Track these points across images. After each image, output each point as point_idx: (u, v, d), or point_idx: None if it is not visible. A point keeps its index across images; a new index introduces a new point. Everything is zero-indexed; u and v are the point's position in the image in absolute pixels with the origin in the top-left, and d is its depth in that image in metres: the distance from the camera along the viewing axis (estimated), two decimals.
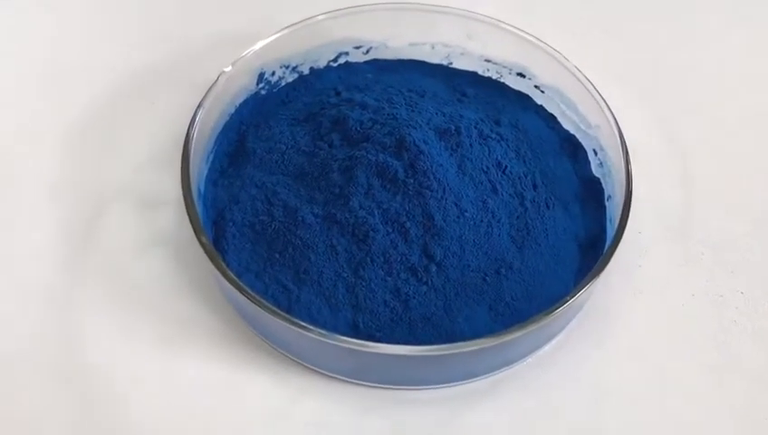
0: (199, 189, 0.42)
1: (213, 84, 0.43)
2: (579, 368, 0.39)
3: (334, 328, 0.38)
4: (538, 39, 0.46)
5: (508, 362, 0.39)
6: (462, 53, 0.49)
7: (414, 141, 0.41)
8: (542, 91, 0.48)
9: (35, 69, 0.50)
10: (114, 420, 0.37)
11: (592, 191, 0.44)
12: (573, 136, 0.46)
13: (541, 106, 0.48)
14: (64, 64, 0.50)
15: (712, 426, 0.38)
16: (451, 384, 0.39)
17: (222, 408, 0.38)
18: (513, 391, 0.39)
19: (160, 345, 0.39)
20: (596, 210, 0.43)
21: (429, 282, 0.39)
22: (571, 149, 0.46)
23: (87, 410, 0.37)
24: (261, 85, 0.47)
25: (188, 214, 0.39)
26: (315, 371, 0.39)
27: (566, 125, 0.47)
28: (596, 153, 0.45)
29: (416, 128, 0.42)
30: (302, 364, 0.39)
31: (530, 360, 0.39)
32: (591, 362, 0.40)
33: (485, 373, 0.39)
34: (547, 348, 0.40)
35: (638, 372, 0.39)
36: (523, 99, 0.48)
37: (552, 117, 0.47)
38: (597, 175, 0.45)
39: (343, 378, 0.38)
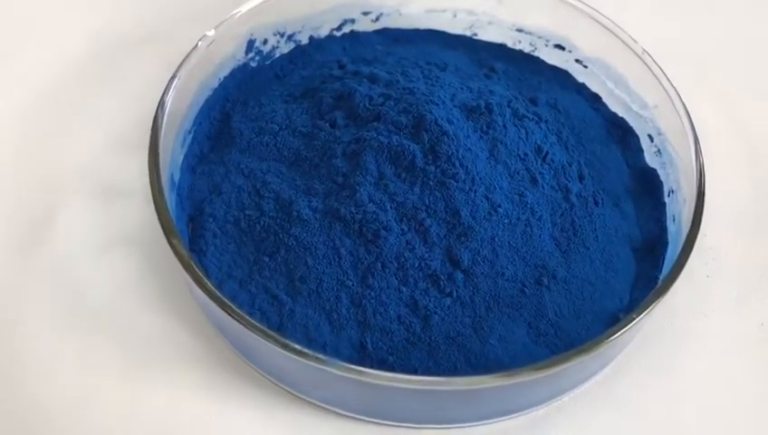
0: (173, 178, 0.35)
1: (191, 51, 0.36)
2: (636, 402, 0.33)
3: (336, 351, 0.31)
4: (581, 1, 0.39)
5: (551, 397, 0.32)
6: (489, 22, 0.42)
7: (436, 120, 0.33)
8: (585, 66, 0.40)
9: None
10: None
11: (648, 185, 0.37)
12: (623, 119, 0.39)
13: (582, 84, 0.41)
14: (15, 31, 0.42)
15: None
16: (480, 423, 0.32)
17: None
18: (557, 430, 0.31)
19: (122, 370, 0.32)
20: (653, 208, 0.36)
21: (454, 293, 0.32)
22: (621, 134, 0.39)
23: None
24: (250, 55, 0.40)
25: (157, 208, 0.32)
26: (313, 404, 0.32)
27: (613, 106, 0.39)
28: (652, 139, 0.38)
29: (437, 104, 0.34)
30: (296, 396, 0.32)
31: (576, 392, 0.32)
32: (652, 394, 0.33)
33: (523, 410, 0.32)
34: (597, 378, 0.33)
35: (709, 406, 0.33)
36: (562, 76, 0.41)
37: (597, 97, 0.40)
38: (652, 165, 0.37)
39: (348, 414, 0.31)
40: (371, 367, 0.30)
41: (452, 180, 0.33)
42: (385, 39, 0.42)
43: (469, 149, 0.33)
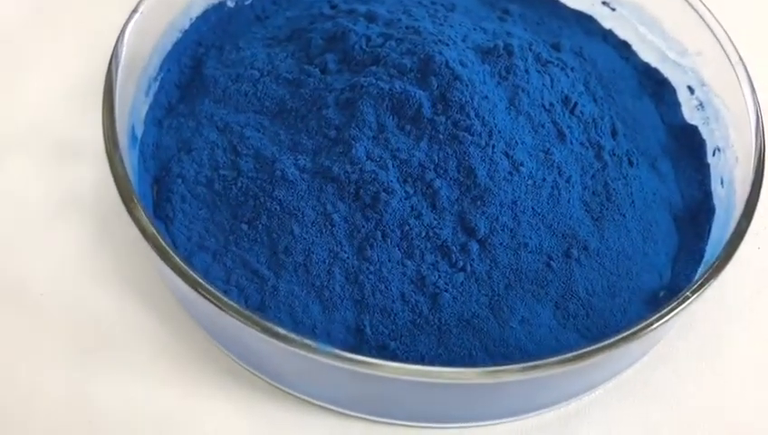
0: (134, 132, 0.30)
1: None
2: (679, 394, 0.29)
3: (327, 335, 0.26)
4: None
5: (582, 391, 0.27)
6: None
7: (446, 62, 0.29)
8: (613, 9, 0.36)
9: None
10: None
11: (688, 143, 0.33)
12: (656, 69, 0.35)
13: (609, 31, 0.36)
14: None
15: None
16: (498, 421, 0.27)
17: None
18: (590, 427, 0.27)
19: (77, 360, 0.28)
20: (695, 169, 0.32)
21: (469, 268, 0.28)
22: (655, 87, 0.35)
23: None
24: None
25: (112, 166, 0.27)
26: (300, 398, 0.27)
27: (646, 55, 0.35)
28: (692, 91, 0.33)
29: (448, 44, 0.29)
30: (281, 389, 0.27)
31: (611, 384, 0.28)
32: (696, 385, 0.29)
33: (549, 406, 0.27)
34: (636, 367, 0.28)
35: (760, 397, 0.28)
36: (585, 21, 0.37)
37: (626, 45, 0.36)
38: (692, 121, 0.33)
39: (340, 410, 0.27)
40: (370, 354, 0.26)
41: (466, 133, 0.28)
42: None
43: (486, 96, 0.28)
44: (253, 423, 0.27)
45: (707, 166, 0.32)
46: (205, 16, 0.34)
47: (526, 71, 0.30)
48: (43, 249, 0.30)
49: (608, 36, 0.36)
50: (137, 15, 0.30)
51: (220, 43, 0.34)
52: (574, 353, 0.24)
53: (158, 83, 0.32)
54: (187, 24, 0.33)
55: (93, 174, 0.31)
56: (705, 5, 0.32)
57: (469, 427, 0.27)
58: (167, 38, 0.32)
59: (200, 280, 0.25)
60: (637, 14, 0.35)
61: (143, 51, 0.31)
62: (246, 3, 0.35)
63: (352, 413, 0.27)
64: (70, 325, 0.29)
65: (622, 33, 0.36)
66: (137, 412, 0.27)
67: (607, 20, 0.36)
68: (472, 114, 0.28)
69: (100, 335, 0.28)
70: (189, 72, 0.33)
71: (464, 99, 0.28)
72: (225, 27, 0.34)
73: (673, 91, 0.34)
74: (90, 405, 0.27)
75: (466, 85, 0.28)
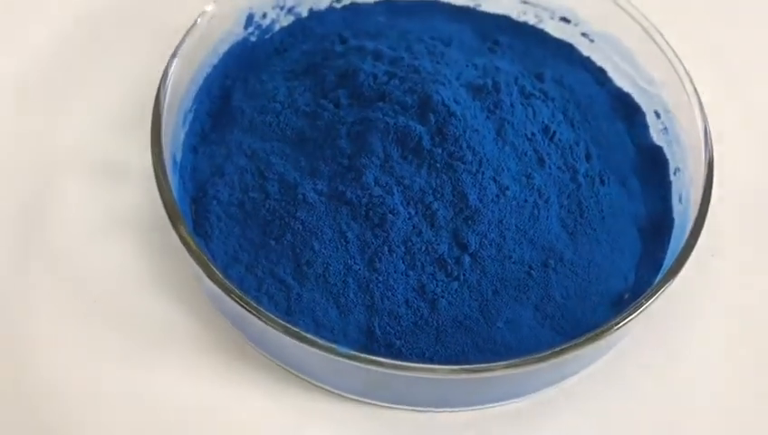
0: (174, 158, 0.34)
1: (191, 28, 0.35)
2: (641, 385, 0.33)
3: (344, 335, 0.31)
4: None
5: (557, 380, 0.32)
6: None
7: (442, 100, 0.33)
8: (591, 40, 0.40)
9: None
10: None
11: (654, 163, 0.37)
12: (628, 95, 0.39)
13: (588, 58, 0.40)
14: (9, 6, 0.41)
15: None
16: (486, 406, 0.32)
17: (206, 433, 0.30)
18: (563, 412, 0.32)
19: (126, 358, 0.32)
20: (659, 186, 0.36)
21: (462, 277, 0.32)
22: (626, 110, 0.39)
23: None
24: (249, 30, 0.39)
25: (160, 191, 0.31)
26: (322, 388, 0.32)
27: (619, 81, 0.39)
28: (658, 116, 0.37)
29: (444, 84, 0.34)
30: (305, 380, 0.32)
31: (582, 374, 0.32)
32: (656, 376, 0.33)
33: (528, 393, 0.32)
34: (604, 359, 0.33)
35: (713, 387, 0.33)
36: (567, 49, 0.40)
37: (602, 71, 0.40)
38: (658, 143, 0.37)
39: (356, 398, 0.31)
40: (379, 351, 0.30)
41: (459, 163, 0.32)
42: (387, 10, 0.41)
43: (476, 130, 0.33)
44: (282, 409, 0.31)
45: (669, 183, 0.36)
46: (231, 51, 0.38)
47: (511, 105, 0.34)
48: (95, 261, 0.34)
49: (586, 63, 0.40)
50: (176, 60, 0.34)
51: (245, 76, 0.38)
52: (550, 352, 0.29)
53: (192, 114, 0.36)
54: (215, 60, 0.37)
55: (137, 193, 0.35)
56: (666, 42, 0.36)
57: (460, 411, 0.31)
58: (199, 73, 0.36)
59: (237, 291, 0.29)
60: (612, 46, 0.39)
61: (180, 86, 0.35)
62: (266, 37, 0.40)
63: (365, 400, 0.31)
64: (121, 328, 0.32)
65: (599, 60, 0.39)
66: (183, 403, 0.31)
67: (586, 49, 0.40)
68: (464, 146, 0.32)
69: (148, 336, 0.32)
70: (219, 102, 0.37)
71: (457, 132, 0.32)
72: (249, 60, 0.38)
73: (643, 114, 0.38)
74: (141, 397, 0.31)
75: (460, 120, 0.33)
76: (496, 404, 0.31)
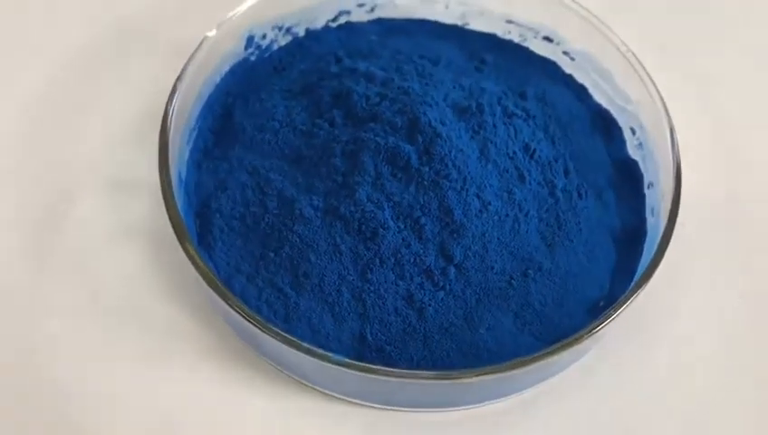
0: (180, 176, 0.37)
1: (195, 51, 0.38)
2: (613, 383, 0.35)
3: (338, 341, 0.33)
4: None
5: (537, 382, 0.34)
6: (480, 13, 0.43)
7: (429, 122, 0.35)
8: (572, 59, 0.42)
9: None
10: None
11: (629, 176, 0.39)
12: (607, 111, 0.41)
13: (570, 75, 0.42)
14: (20, 26, 0.43)
15: None
16: (472, 406, 0.34)
17: (210, 431, 0.33)
18: (541, 412, 0.34)
19: (138, 360, 0.34)
20: (633, 199, 0.39)
21: (447, 287, 0.34)
22: (605, 125, 0.41)
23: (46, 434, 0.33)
24: (250, 50, 0.41)
25: (168, 209, 0.34)
26: (318, 390, 0.34)
27: (599, 98, 0.41)
28: (634, 132, 0.40)
29: (431, 105, 0.36)
30: (301, 383, 0.34)
31: (562, 375, 0.35)
32: (628, 377, 0.35)
33: (511, 394, 0.34)
34: (582, 361, 0.35)
35: (683, 384, 0.35)
36: (550, 66, 0.43)
37: (583, 88, 0.42)
38: (635, 157, 0.39)
39: (350, 399, 0.34)
40: (371, 356, 0.33)
41: (445, 180, 0.34)
42: (380, 29, 0.43)
43: (461, 150, 0.35)
44: (280, 410, 0.33)
45: (643, 196, 0.38)
46: (232, 71, 0.40)
47: (494, 125, 0.36)
48: (109, 269, 0.36)
49: (568, 81, 0.42)
50: (181, 83, 0.36)
51: (245, 94, 0.40)
52: (530, 357, 0.31)
53: (196, 132, 0.38)
54: (218, 79, 0.40)
55: (148, 205, 0.37)
56: (641, 65, 0.38)
57: (448, 411, 0.34)
58: (203, 92, 0.39)
59: (241, 304, 0.31)
60: (592, 65, 0.41)
61: (184, 107, 0.37)
62: (266, 56, 0.42)
63: (359, 402, 0.33)
64: (132, 331, 0.34)
65: (580, 78, 0.42)
66: (188, 401, 0.33)
67: (568, 66, 0.42)
68: (450, 165, 0.35)
69: (157, 339, 0.34)
70: (221, 119, 0.39)
71: (443, 152, 0.35)
72: (249, 79, 0.41)
73: (620, 130, 0.40)
74: (151, 398, 0.33)
75: (445, 141, 0.35)
76: (481, 405, 0.34)
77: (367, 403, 0.34)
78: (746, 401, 0.35)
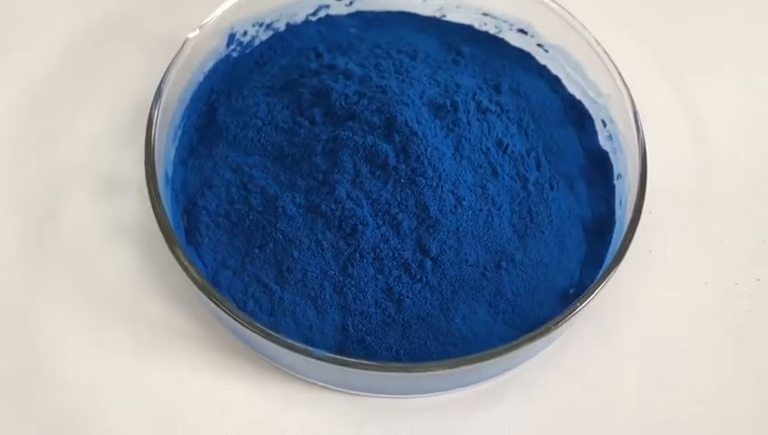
0: (167, 174, 0.38)
1: (178, 53, 0.39)
2: (585, 366, 0.37)
3: (321, 333, 0.35)
4: None
5: (510, 368, 0.36)
6: (457, 6, 0.44)
7: (406, 121, 0.36)
8: (546, 51, 0.43)
9: None
10: None
11: (600, 167, 0.41)
12: (579, 102, 0.42)
13: (544, 66, 0.43)
14: (4, 27, 0.44)
15: (726, 420, 0.36)
16: (448, 392, 0.36)
17: (202, 421, 0.35)
18: (515, 395, 0.36)
19: (132, 353, 0.36)
20: (603, 189, 0.40)
21: (424, 279, 0.36)
22: (577, 116, 0.42)
23: (50, 429, 0.34)
24: (232, 47, 0.42)
25: (155, 213, 0.35)
26: (303, 380, 0.36)
27: (572, 89, 0.43)
28: (605, 124, 0.41)
29: (407, 104, 0.37)
30: (287, 372, 0.36)
31: (532, 360, 0.37)
32: (598, 359, 0.37)
33: (485, 380, 0.36)
34: (551, 347, 0.37)
35: (649, 367, 0.37)
36: (525, 58, 0.44)
37: (557, 79, 0.43)
38: (605, 148, 0.41)
39: (333, 388, 0.36)
40: (352, 346, 0.35)
41: (421, 178, 0.36)
42: (359, 22, 0.44)
43: (436, 148, 0.36)
44: (266, 396, 0.35)
45: (613, 187, 0.39)
46: (215, 68, 0.41)
47: (468, 122, 0.38)
48: (102, 266, 0.37)
49: (542, 72, 0.43)
50: (166, 85, 0.38)
51: (228, 90, 0.41)
52: (505, 346, 0.33)
53: (181, 129, 0.39)
54: (201, 78, 0.41)
55: (136, 205, 0.39)
56: (611, 60, 0.39)
57: (423, 397, 0.35)
58: (186, 91, 0.40)
59: (224, 301, 0.33)
60: (564, 58, 0.42)
61: (170, 107, 0.38)
62: (247, 51, 0.43)
63: (342, 390, 0.35)
64: (127, 325, 0.36)
65: (554, 69, 0.43)
66: (181, 389, 0.35)
67: (542, 58, 0.43)
68: (426, 162, 0.36)
69: (149, 333, 0.36)
70: (205, 117, 0.40)
71: (419, 151, 0.36)
72: (231, 75, 0.42)
73: (592, 121, 0.41)
74: (146, 386, 0.35)
75: (421, 139, 0.36)
76: (456, 390, 0.36)
77: (347, 390, 0.36)
78: (711, 380, 0.37)
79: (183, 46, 0.39)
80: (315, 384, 0.36)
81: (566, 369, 0.37)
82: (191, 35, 0.39)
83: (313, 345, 0.34)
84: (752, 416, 0.36)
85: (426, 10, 0.45)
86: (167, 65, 0.38)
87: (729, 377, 0.37)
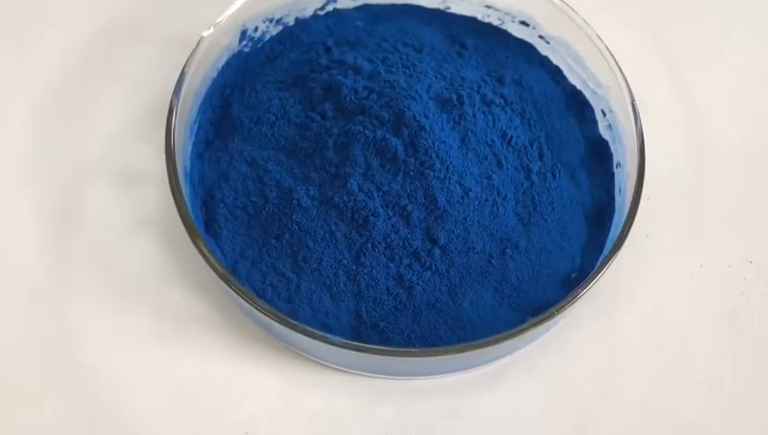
0: (185, 168, 0.40)
1: (194, 51, 0.40)
2: (585, 347, 0.39)
3: (336, 317, 0.37)
4: None
5: (515, 350, 0.38)
6: None
7: (414, 116, 0.38)
8: (548, 42, 0.44)
9: None
10: (110, 424, 0.36)
11: (600, 155, 0.42)
12: (580, 92, 0.44)
13: (545, 57, 0.45)
14: (23, 27, 0.46)
15: (720, 403, 0.38)
16: (455, 373, 0.38)
17: (226, 404, 0.37)
18: (518, 376, 0.38)
19: (156, 340, 0.38)
20: (603, 177, 0.42)
21: (433, 267, 0.37)
22: (578, 106, 0.43)
23: (78, 413, 0.36)
24: (243, 43, 0.43)
25: (177, 204, 0.37)
26: (319, 363, 0.38)
27: (572, 79, 0.44)
28: (605, 114, 0.43)
29: (415, 99, 0.39)
30: (305, 357, 0.38)
31: (535, 342, 0.39)
32: (598, 340, 0.39)
33: (491, 362, 0.38)
34: (553, 329, 0.39)
35: (647, 348, 0.39)
36: (527, 48, 0.45)
37: (558, 69, 0.44)
38: (605, 137, 0.42)
39: (348, 370, 0.38)
40: (366, 331, 0.36)
41: (429, 170, 0.37)
42: (366, 15, 0.45)
43: (444, 141, 0.38)
44: (285, 379, 0.37)
45: (612, 175, 0.41)
46: (228, 64, 0.42)
47: (474, 115, 0.39)
48: (125, 257, 0.39)
49: (543, 62, 0.44)
50: (184, 85, 0.39)
51: (241, 85, 0.42)
52: (505, 333, 0.35)
53: (197, 125, 0.41)
54: (215, 74, 0.42)
55: (155, 197, 0.40)
56: (610, 53, 0.41)
57: (431, 379, 0.37)
58: (202, 88, 0.41)
59: (244, 289, 0.35)
60: (565, 49, 0.43)
61: (186, 104, 0.40)
62: (258, 46, 0.44)
63: (355, 372, 0.37)
64: (151, 313, 0.38)
65: (555, 59, 0.44)
66: (203, 373, 0.37)
67: (543, 49, 0.44)
68: (433, 155, 0.37)
69: (172, 321, 0.37)
70: (220, 111, 0.42)
71: (427, 144, 0.37)
72: (244, 70, 0.43)
73: (592, 110, 0.43)
74: (170, 370, 0.37)
75: (429, 133, 0.38)
76: (463, 371, 0.38)
77: (360, 372, 0.38)
78: (707, 360, 0.39)
79: (198, 44, 0.40)
80: (330, 367, 0.38)
81: (567, 350, 0.39)
82: (205, 33, 0.40)
83: (329, 330, 0.36)
84: (745, 393, 0.38)
85: (430, 2, 0.46)
86: (179, 63, 0.40)
87: (724, 356, 0.39)
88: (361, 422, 0.36)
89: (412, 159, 0.38)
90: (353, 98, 0.40)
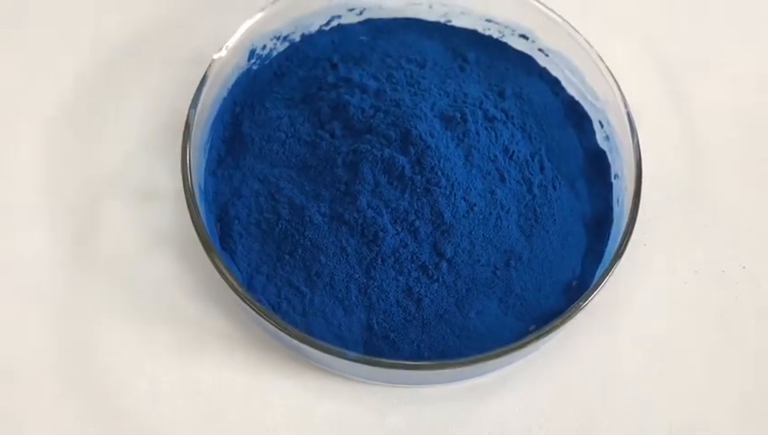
0: (200, 186, 0.41)
1: (206, 73, 0.41)
2: (586, 354, 0.41)
3: (349, 329, 0.39)
4: (542, 3, 0.44)
5: (520, 358, 0.40)
6: (461, 12, 0.47)
7: (420, 135, 0.39)
8: (546, 55, 0.46)
9: (7, 49, 0.46)
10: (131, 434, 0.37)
11: (598, 166, 0.44)
12: (578, 103, 0.45)
13: (544, 69, 0.46)
14: (39, 45, 0.47)
15: (717, 405, 0.40)
16: (464, 381, 0.40)
17: (243, 413, 0.38)
18: (524, 383, 0.40)
19: (174, 353, 0.39)
20: (602, 187, 0.43)
21: (441, 279, 0.39)
22: (576, 117, 0.45)
23: (100, 423, 0.38)
24: (252, 61, 0.45)
25: (194, 222, 0.38)
26: (334, 374, 0.40)
27: (571, 91, 0.45)
28: (602, 125, 0.44)
29: (420, 118, 0.40)
30: (320, 368, 0.39)
31: (539, 350, 0.40)
32: (598, 347, 0.41)
33: (498, 369, 0.40)
34: (555, 338, 0.40)
35: (645, 352, 0.41)
36: (526, 60, 0.46)
37: (557, 81, 0.46)
38: (603, 148, 0.44)
39: (362, 380, 0.39)
40: (378, 343, 0.38)
41: (435, 187, 0.39)
42: (369, 29, 0.47)
43: (448, 158, 0.40)
44: (300, 390, 0.38)
45: (611, 185, 0.43)
46: (237, 82, 0.44)
47: (477, 132, 0.41)
48: (143, 273, 0.40)
49: (542, 74, 0.46)
50: (197, 108, 0.40)
51: (251, 102, 0.44)
52: (512, 345, 0.36)
53: (209, 143, 0.42)
54: (225, 93, 0.43)
55: (171, 214, 0.41)
56: (608, 68, 0.42)
57: (442, 386, 0.39)
58: (213, 106, 0.42)
59: (259, 306, 0.36)
60: (564, 62, 0.45)
61: (200, 123, 0.41)
62: (266, 63, 0.46)
63: (368, 382, 0.39)
64: (170, 327, 0.39)
65: (554, 71, 0.45)
66: (221, 385, 0.38)
67: (542, 60, 0.46)
68: (439, 173, 0.39)
69: (190, 334, 0.39)
70: (231, 128, 0.43)
71: (433, 162, 0.39)
72: (253, 87, 0.44)
73: (590, 121, 0.44)
74: (189, 382, 0.38)
75: (434, 151, 0.39)
76: (471, 379, 0.39)
77: (375, 383, 0.39)
78: (702, 362, 0.40)
79: (210, 66, 0.41)
80: (345, 377, 0.39)
81: (571, 356, 0.40)
82: (216, 56, 0.42)
83: (343, 342, 0.38)
84: (741, 395, 0.40)
85: (432, 16, 0.47)
86: (189, 80, 0.41)
87: (718, 359, 0.41)
88: (375, 430, 0.38)
89: (419, 177, 0.39)
90: (360, 117, 0.41)
